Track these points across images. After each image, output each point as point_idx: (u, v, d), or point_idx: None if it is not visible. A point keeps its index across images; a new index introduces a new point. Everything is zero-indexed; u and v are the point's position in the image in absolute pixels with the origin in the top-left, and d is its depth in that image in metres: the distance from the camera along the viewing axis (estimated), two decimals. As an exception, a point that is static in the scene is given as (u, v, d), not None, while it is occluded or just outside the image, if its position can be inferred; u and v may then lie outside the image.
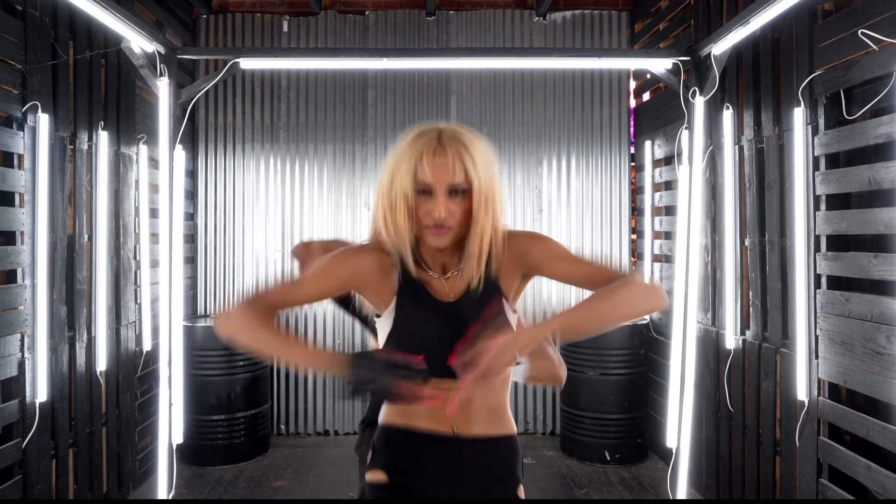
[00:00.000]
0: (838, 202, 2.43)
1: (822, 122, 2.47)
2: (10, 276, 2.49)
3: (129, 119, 3.44)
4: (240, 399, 3.95)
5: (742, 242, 3.10)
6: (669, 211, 3.86)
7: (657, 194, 4.11)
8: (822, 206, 2.47)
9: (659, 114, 4.02)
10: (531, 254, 1.28)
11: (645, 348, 3.98)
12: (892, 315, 2.06)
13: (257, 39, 4.53)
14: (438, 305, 1.26)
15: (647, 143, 4.18)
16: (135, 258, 3.54)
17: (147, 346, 3.60)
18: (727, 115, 3.11)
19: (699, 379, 3.42)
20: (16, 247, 2.49)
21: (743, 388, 3.05)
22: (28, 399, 2.52)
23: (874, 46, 2.14)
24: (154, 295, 3.72)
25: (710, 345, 3.33)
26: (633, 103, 4.57)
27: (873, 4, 2.17)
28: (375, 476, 1.31)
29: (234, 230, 4.53)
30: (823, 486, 2.44)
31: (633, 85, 4.55)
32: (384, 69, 4.40)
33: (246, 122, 4.55)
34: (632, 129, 4.57)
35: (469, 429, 1.28)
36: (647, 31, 4.32)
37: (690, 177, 2.70)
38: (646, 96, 4.45)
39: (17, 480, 2.47)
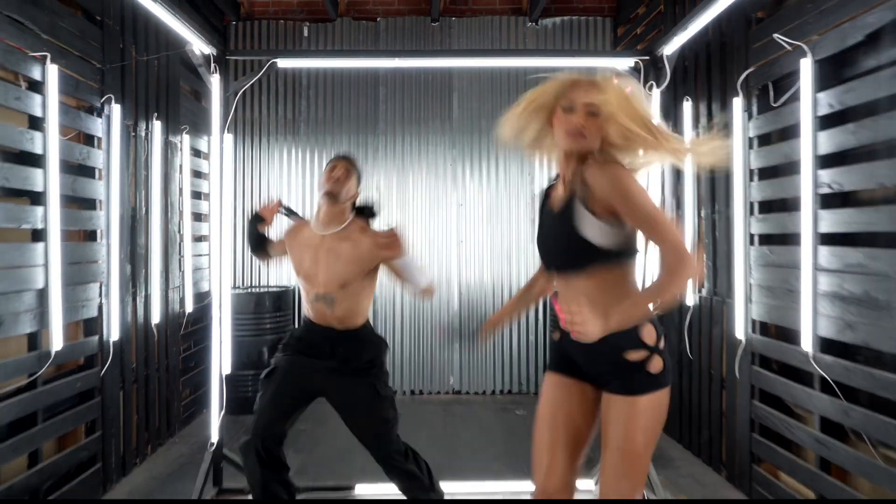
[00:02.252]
0: (767, 174, 2.96)
1: (755, 109, 3.01)
2: (92, 236, 3.06)
3: (175, 112, 4.00)
4: (266, 358, 4.51)
5: (699, 215, 3.64)
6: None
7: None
8: (756, 178, 3.01)
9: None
10: (595, 192, 1.60)
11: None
12: (798, 259, 2.59)
13: (280, 43, 5.09)
14: (547, 215, 1.78)
15: (627, 134, 4.72)
16: (179, 232, 4.10)
17: (189, 308, 4.16)
18: (686, 107, 3.65)
19: (666, 335, 3.95)
20: (95, 212, 3.05)
21: (699, 337, 3.57)
22: (105, 337, 3.08)
23: (788, 47, 2.68)
24: (195, 265, 4.28)
25: (676, 306, 3.86)
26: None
27: (787, 14, 2.72)
28: (555, 335, 1.87)
29: (260, 212, 5.09)
30: (755, 406, 2.97)
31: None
32: (394, 69, 4.96)
33: (271, 116, 5.12)
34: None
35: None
36: (627, 35, 4.87)
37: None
38: (626, 93, 4.98)
39: (97, 402, 3.03)
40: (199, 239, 4.48)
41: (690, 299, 3.65)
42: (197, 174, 4.41)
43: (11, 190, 2.45)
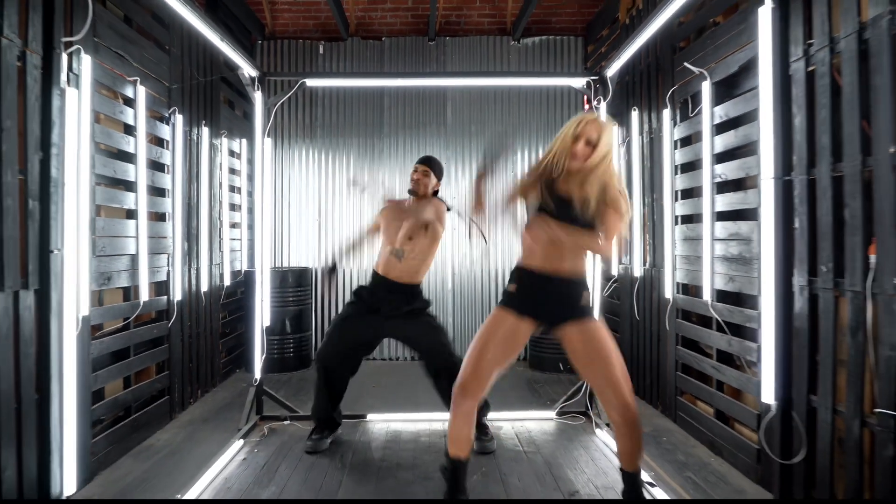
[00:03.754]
0: (686, 168, 3.81)
1: (678, 118, 3.86)
2: (162, 217, 3.91)
3: (216, 120, 4.85)
4: (289, 325, 5.36)
5: (644, 203, 4.49)
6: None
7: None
8: (679, 172, 3.86)
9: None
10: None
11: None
12: (702, 232, 3.44)
13: (300, 59, 5.96)
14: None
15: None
16: (219, 219, 4.95)
17: (227, 282, 5.01)
18: (634, 116, 4.51)
19: (621, 303, 4.80)
20: (165, 199, 3.90)
21: (644, 302, 4.42)
22: (171, 297, 3.93)
23: (696, 72, 3.53)
24: (230, 248, 5.14)
25: (628, 278, 4.71)
26: (586, 108, 5.96)
27: (695, 47, 3.58)
28: (512, 287, 2.42)
29: (282, 205, 5.96)
30: (678, 350, 3.82)
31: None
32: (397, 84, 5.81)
33: (292, 122, 5.98)
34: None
35: (559, 271, 2.32)
36: (594, 53, 5.72)
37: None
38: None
39: (166, 348, 3.88)
40: (233, 225, 5.33)
41: (637, 272, 4.50)
42: (231, 171, 5.26)
43: (115, 179, 3.30)
